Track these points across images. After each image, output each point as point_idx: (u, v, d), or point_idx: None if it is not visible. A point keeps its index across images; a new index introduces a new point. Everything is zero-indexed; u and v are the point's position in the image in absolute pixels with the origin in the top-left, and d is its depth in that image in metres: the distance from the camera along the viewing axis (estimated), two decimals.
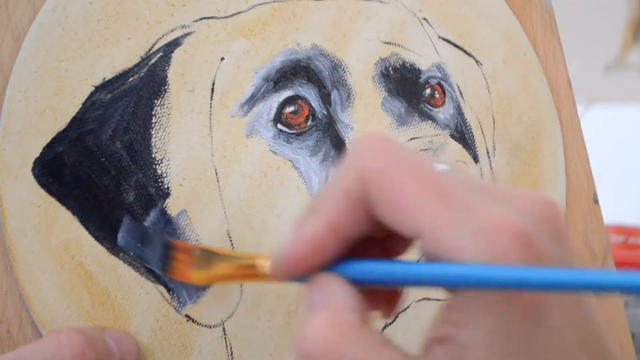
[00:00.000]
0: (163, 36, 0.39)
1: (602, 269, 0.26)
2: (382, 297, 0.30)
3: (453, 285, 0.25)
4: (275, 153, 0.40)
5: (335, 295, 0.27)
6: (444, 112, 0.44)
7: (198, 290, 0.39)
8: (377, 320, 0.31)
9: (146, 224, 0.38)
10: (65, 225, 0.37)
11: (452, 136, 0.44)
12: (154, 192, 0.38)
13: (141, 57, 0.39)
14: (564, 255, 0.25)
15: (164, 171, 0.39)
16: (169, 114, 0.39)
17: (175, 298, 0.38)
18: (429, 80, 0.44)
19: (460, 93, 0.45)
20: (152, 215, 0.38)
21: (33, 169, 0.37)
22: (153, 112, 0.39)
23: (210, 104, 0.40)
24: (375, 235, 0.29)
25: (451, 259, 0.25)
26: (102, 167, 0.38)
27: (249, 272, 0.33)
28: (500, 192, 0.26)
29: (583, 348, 0.25)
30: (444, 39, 0.45)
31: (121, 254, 0.38)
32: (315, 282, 0.28)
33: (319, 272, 0.28)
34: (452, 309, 0.25)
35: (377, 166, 0.26)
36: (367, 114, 0.42)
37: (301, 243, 0.28)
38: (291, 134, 0.41)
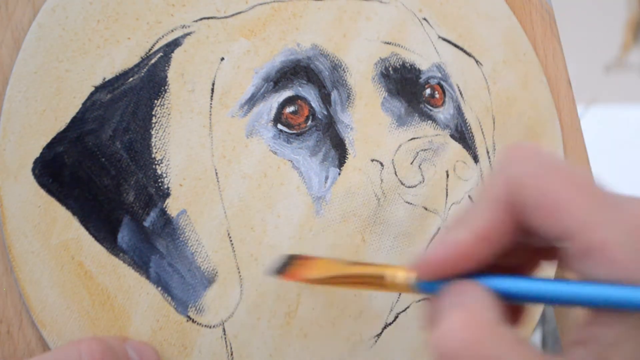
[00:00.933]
0: (163, 36, 0.39)
1: None
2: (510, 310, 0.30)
3: (596, 305, 0.26)
4: (275, 153, 0.40)
5: (473, 296, 0.27)
6: (444, 112, 0.44)
7: (197, 293, 0.39)
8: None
9: (146, 224, 0.38)
10: (65, 225, 0.37)
11: (452, 136, 0.44)
12: (154, 192, 0.38)
13: (141, 57, 0.39)
14: None
15: (164, 171, 0.39)
16: (169, 114, 0.39)
17: (176, 301, 0.38)
18: (429, 81, 0.44)
19: (460, 93, 0.45)
20: (152, 215, 0.38)
21: (33, 169, 0.37)
22: (153, 112, 0.39)
23: (210, 104, 0.40)
24: (517, 248, 0.29)
25: (602, 256, 0.25)
26: (102, 167, 0.38)
27: (373, 281, 0.33)
28: (631, 195, 0.27)
29: None
30: (444, 39, 0.45)
31: (121, 254, 0.38)
32: (453, 287, 0.28)
33: (458, 279, 0.29)
34: (597, 313, 0.26)
35: (529, 170, 0.27)
36: (367, 114, 0.42)
37: (450, 248, 0.28)
38: (291, 134, 0.41)
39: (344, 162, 0.41)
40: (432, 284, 0.29)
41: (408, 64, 0.44)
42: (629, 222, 0.25)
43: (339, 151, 0.41)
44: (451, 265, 0.28)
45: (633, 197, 0.27)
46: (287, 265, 0.38)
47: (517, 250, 0.30)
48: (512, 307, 0.30)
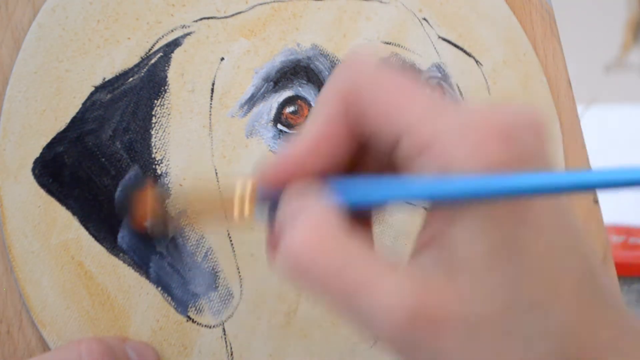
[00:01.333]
0: (163, 36, 0.39)
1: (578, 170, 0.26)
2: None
3: (438, 199, 0.25)
4: (275, 153, 0.40)
5: (318, 201, 0.26)
6: None
7: (197, 293, 0.39)
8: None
9: (146, 224, 0.38)
10: (65, 225, 0.37)
11: None
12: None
13: (141, 58, 0.39)
14: (543, 154, 0.25)
15: (164, 171, 0.39)
16: (169, 114, 0.39)
17: (176, 301, 0.38)
18: (428, 81, 0.44)
19: (460, 93, 0.45)
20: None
21: (33, 169, 0.37)
22: (153, 112, 0.39)
23: (210, 104, 0.40)
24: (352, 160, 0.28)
25: (433, 150, 0.24)
26: (102, 167, 0.38)
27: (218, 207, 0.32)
28: (489, 104, 0.26)
29: (567, 250, 0.25)
30: (444, 39, 0.45)
31: (121, 254, 0.38)
32: (293, 191, 0.27)
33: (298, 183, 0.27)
34: (437, 212, 0.25)
35: (365, 80, 0.26)
36: None
37: (284, 159, 0.27)
38: (291, 134, 0.41)
39: None
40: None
41: (408, 64, 0.44)
42: (461, 119, 0.24)
43: None
44: (289, 177, 0.27)
45: (477, 104, 0.26)
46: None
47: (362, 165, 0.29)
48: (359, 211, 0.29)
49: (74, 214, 0.37)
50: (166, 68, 0.39)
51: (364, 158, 0.29)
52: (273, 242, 0.29)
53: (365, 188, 0.27)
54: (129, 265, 0.38)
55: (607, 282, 0.26)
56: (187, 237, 0.39)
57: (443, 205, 0.25)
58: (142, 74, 0.39)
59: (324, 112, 0.27)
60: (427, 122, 0.25)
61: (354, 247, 0.25)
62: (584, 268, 0.25)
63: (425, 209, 0.27)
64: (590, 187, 0.23)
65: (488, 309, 0.24)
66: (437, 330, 0.24)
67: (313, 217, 0.25)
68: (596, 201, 0.48)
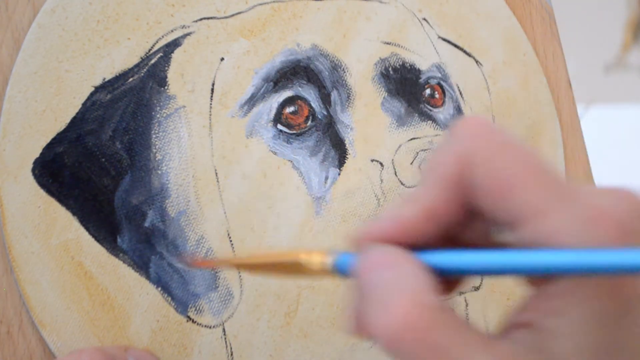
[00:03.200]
0: (163, 36, 0.39)
1: None
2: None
3: (546, 271, 0.24)
4: (275, 153, 0.40)
5: (411, 274, 0.25)
6: (443, 113, 0.44)
7: (197, 293, 0.39)
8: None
9: (146, 224, 0.38)
10: (65, 225, 0.37)
11: None
12: (154, 193, 0.38)
13: (141, 58, 0.39)
14: None
15: (164, 171, 0.39)
16: (168, 115, 0.39)
17: (176, 301, 0.38)
18: (428, 81, 0.44)
19: (460, 93, 0.45)
20: (152, 215, 0.38)
21: (33, 170, 0.37)
22: (153, 112, 0.39)
23: (210, 104, 0.40)
24: (460, 229, 0.27)
25: (555, 244, 0.24)
26: (102, 168, 0.38)
27: (291, 267, 0.30)
28: (592, 186, 0.26)
29: None
30: (444, 39, 0.45)
31: (121, 254, 0.38)
32: (378, 254, 0.26)
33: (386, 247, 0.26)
34: (541, 297, 0.25)
35: (482, 149, 0.25)
36: (367, 114, 0.42)
37: (392, 222, 0.26)
38: (291, 134, 0.41)
39: (344, 162, 0.41)
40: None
41: (408, 64, 0.44)
42: (582, 212, 0.24)
43: (339, 151, 0.41)
44: (392, 241, 0.26)
45: (587, 187, 0.25)
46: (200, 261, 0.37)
47: (465, 233, 0.28)
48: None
49: (74, 214, 0.37)
50: (166, 68, 0.39)
51: (464, 230, 0.28)
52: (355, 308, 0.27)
53: (454, 257, 0.26)
54: (129, 265, 0.38)
55: None
56: (187, 237, 0.39)
57: (549, 287, 0.25)
58: (142, 74, 0.39)
59: (437, 175, 0.26)
60: (548, 215, 0.24)
61: (451, 326, 0.24)
62: None
63: (529, 288, 0.26)
64: None
65: None
66: None
67: (410, 289, 0.24)
68: None
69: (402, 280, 0.25)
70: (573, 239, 0.24)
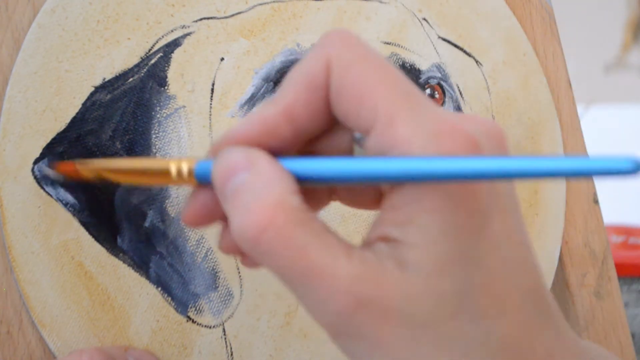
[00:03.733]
0: (163, 36, 0.39)
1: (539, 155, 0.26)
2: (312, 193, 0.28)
3: (399, 177, 0.24)
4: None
5: (271, 174, 0.25)
6: None
7: (197, 293, 0.39)
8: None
9: (146, 224, 0.38)
10: (65, 225, 0.37)
11: None
12: (154, 193, 0.38)
13: (141, 58, 0.39)
14: None
15: None
16: (168, 115, 0.39)
17: (176, 301, 0.38)
18: (428, 81, 0.44)
19: (460, 93, 0.45)
20: (152, 215, 0.38)
21: (33, 170, 0.37)
22: (153, 113, 0.39)
23: (210, 104, 0.40)
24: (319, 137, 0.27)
25: (400, 153, 0.24)
26: None
27: (158, 175, 0.29)
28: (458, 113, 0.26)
29: (519, 266, 0.25)
30: (444, 39, 0.45)
31: (121, 254, 0.38)
32: (236, 155, 0.26)
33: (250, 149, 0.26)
34: (395, 209, 0.25)
35: (345, 55, 0.26)
36: None
37: (251, 124, 0.26)
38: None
39: None
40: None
41: (408, 64, 0.44)
42: (432, 124, 0.24)
43: None
44: (253, 141, 0.26)
45: (432, 102, 0.25)
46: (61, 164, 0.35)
47: (327, 143, 0.28)
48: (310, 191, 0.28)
49: (73, 214, 0.37)
50: (166, 68, 0.39)
51: (326, 140, 0.28)
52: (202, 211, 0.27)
53: (318, 164, 0.26)
54: (129, 265, 0.38)
55: (551, 299, 0.26)
56: (187, 237, 0.39)
57: (402, 197, 0.24)
58: (142, 74, 0.39)
59: (298, 77, 0.26)
60: (398, 123, 0.24)
61: (313, 229, 0.24)
62: (531, 285, 0.26)
63: (383, 196, 0.26)
64: (540, 175, 0.23)
65: (435, 312, 0.24)
66: (381, 321, 0.24)
67: (271, 189, 0.24)
68: (596, 201, 0.48)
69: (262, 181, 0.25)
70: (419, 149, 0.24)
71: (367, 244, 0.25)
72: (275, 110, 0.26)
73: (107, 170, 0.32)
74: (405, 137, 0.24)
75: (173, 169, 0.28)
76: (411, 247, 0.24)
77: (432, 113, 0.25)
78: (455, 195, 0.24)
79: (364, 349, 0.25)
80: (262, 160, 0.25)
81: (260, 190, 0.24)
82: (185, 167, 0.28)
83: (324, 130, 0.27)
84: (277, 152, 0.26)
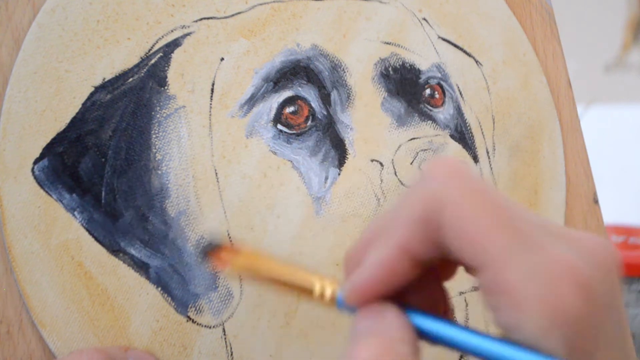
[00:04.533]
0: (163, 36, 0.39)
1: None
2: None
3: None
4: (275, 153, 0.40)
5: (388, 323, 0.27)
6: (443, 113, 0.44)
7: (197, 293, 0.39)
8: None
9: (146, 224, 0.38)
10: (65, 225, 0.37)
11: (452, 136, 0.44)
12: (154, 193, 0.38)
13: (141, 58, 0.39)
14: (616, 302, 0.26)
15: (163, 171, 0.39)
16: (168, 115, 0.39)
17: (176, 301, 0.38)
18: (428, 81, 0.44)
19: (460, 93, 0.45)
20: (152, 215, 0.38)
21: (33, 170, 0.37)
22: (153, 113, 0.39)
23: (210, 104, 0.40)
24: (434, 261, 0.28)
25: (507, 297, 0.25)
26: (102, 168, 0.38)
27: (301, 290, 0.31)
28: (564, 232, 0.26)
29: None
30: (444, 39, 0.45)
31: (121, 254, 0.38)
32: (368, 309, 0.28)
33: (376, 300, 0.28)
34: None
35: (452, 194, 0.26)
36: (367, 114, 0.42)
37: (374, 269, 0.27)
38: (291, 134, 0.41)
39: (344, 162, 0.41)
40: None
41: (408, 64, 0.44)
42: (543, 267, 0.25)
43: (339, 151, 0.41)
44: (379, 286, 0.27)
45: (545, 235, 0.26)
46: (216, 249, 0.36)
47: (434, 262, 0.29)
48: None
49: (73, 214, 0.37)
50: (166, 68, 0.39)
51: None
52: None
53: (439, 324, 0.27)
54: (129, 265, 0.38)
55: None
56: (187, 237, 0.39)
57: None
58: (142, 74, 0.39)
59: (407, 214, 0.27)
60: (506, 266, 0.25)
61: None
62: None
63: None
64: None
65: None
66: None
67: (386, 335, 0.26)
68: (596, 201, 0.48)
69: (379, 328, 0.26)
70: (531, 297, 0.24)
71: None
72: (392, 250, 0.27)
73: (256, 272, 0.33)
74: (515, 284, 0.25)
75: (317, 289, 0.30)
76: None
77: (544, 253, 0.25)
78: (567, 341, 0.24)
79: None
80: (388, 310, 0.27)
81: (375, 331, 0.26)
82: (328, 292, 0.30)
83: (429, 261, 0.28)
84: (399, 287, 0.28)
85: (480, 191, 0.26)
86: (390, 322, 0.27)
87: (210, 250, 0.34)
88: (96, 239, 0.37)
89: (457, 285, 0.41)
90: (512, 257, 0.25)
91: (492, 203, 0.26)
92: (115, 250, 0.38)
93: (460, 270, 0.29)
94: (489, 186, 0.26)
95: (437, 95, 0.44)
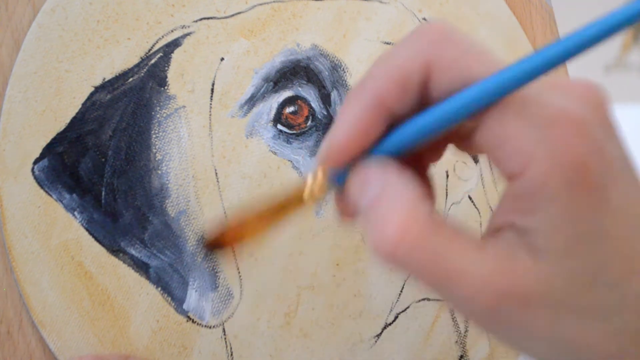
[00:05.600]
0: (163, 36, 0.39)
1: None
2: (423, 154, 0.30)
3: (493, 96, 0.25)
4: (275, 153, 0.40)
5: (400, 184, 0.26)
6: None
7: (197, 293, 0.39)
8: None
9: (146, 224, 0.38)
10: (65, 225, 0.37)
11: None
12: (154, 193, 0.38)
13: (141, 58, 0.39)
14: (612, 135, 0.27)
15: (163, 171, 0.39)
16: (168, 115, 0.39)
17: (176, 301, 0.38)
18: None
19: None
20: (152, 215, 0.38)
21: (33, 170, 0.37)
22: (153, 112, 0.39)
23: (210, 104, 0.40)
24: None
25: (510, 147, 0.25)
26: (102, 168, 0.38)
27: (294, 201, 0.30)
28: (555, 82, 0.27)
29: None
30: None
31: (121, 255, 0.38)
32: (368, 171, 0.27)
33: (365, 158, 0.27)
34: (519, 198, 0.26)
35: (447, 54, 0.26)
36: None
37: (349, 125, 0.27)
38: (291, 134, 0.41)
39: None
40: (342, 173, 0.27)
41: None
42: (539, 115, 0.25)
43: None
44: (354, 143, 0.27)
45: (549, 85, 0.26)
46: (218, 237, 0.36)
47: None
48: (424, 181, 0.30)
49: (73, 214, 0.37)
50: (166, 68, 0.39)
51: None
52: (344, 209, 0.29)
53: (419, 123, 0.27)
54: (129, 265, 0.38)
55: None
56: (187, 237, 0.39)
57: (522, 185, 0.25)
58: (142, 74, 0.39)
59: (392, 74, 0.27)
60: (505, 116, 0.25)
61: (445, 234, 0.25)
62: None
63: (504, 194, 0.27)
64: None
65: (570, 289, 0.25)
66: (526, 307, 0.25)
67: (402, 203, 0.26)
68: None
69: (393, 196, 0.26)
70: (529, 143, 0.25)
71: (494, 232, 0.27)
72: (367, 105, 0.27)
73: (250, 231, 0.32)
74: (514, 134, 0.25)
75: (306, 188, 0.29)
76: (539, 234, 0.25)
77: (539, 101, 0.25)
78: (572, 178, 0.25)
79: (515, 334, 0.26)
80: (391, 173, 0.27)
81: (391, 204, 0.26)
82: (319, 176, 0.29)
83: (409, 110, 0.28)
84: (373, 142, 0.27)
85: (475, 50, 0.26)
86: (398, 181, 0.26)
87: (208, 244, 0.34)
88: (96, 239, 0.37)
89: None
90: (509, 110, 0.25)
91: (486, 61, 0.26)
92: (115, 250, 0.38)
93: None
94: (479, 44, 0.27)
95: None
